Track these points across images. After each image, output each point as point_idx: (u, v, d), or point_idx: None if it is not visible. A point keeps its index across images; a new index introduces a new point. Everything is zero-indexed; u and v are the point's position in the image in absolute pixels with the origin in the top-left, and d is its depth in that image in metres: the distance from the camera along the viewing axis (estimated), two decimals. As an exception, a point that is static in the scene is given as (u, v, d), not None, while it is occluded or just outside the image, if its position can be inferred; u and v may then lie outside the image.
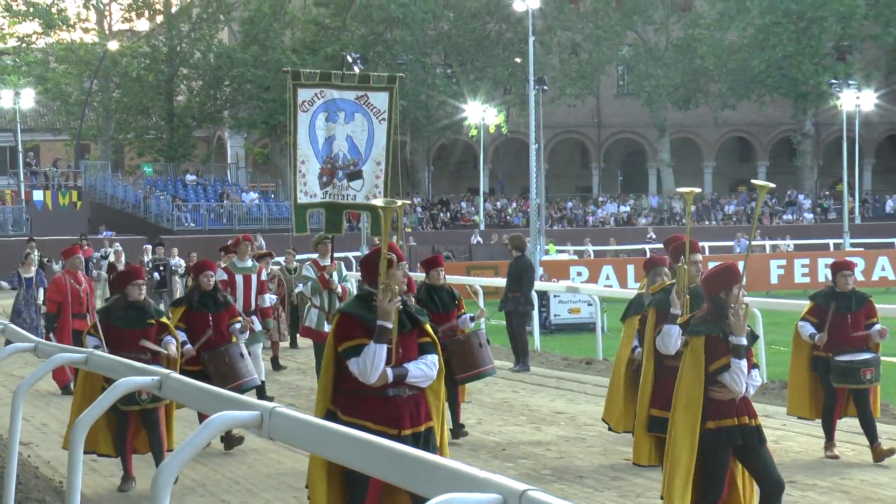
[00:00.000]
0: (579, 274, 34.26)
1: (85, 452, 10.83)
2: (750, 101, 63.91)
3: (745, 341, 8.08)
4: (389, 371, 7.31)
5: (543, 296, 24.58)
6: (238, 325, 12.83)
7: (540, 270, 31.47)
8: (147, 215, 55.71)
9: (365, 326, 7.33)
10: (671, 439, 8.19)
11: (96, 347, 10.42)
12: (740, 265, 8.32)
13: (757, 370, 8.32)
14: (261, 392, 14.48)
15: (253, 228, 47.94)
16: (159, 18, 64.05)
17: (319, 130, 17.76)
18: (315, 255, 16.81)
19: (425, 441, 7.41)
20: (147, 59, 62.09)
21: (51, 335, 16.95)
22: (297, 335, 21.76)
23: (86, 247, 32.00)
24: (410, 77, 55.50)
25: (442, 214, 59.41)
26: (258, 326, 15.03)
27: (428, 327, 7.63)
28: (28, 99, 55.21)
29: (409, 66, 57.48)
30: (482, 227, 55.54)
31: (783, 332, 17.80)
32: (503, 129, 62.60)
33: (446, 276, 13.39)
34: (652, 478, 11.10)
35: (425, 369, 7.47)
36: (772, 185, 9.18)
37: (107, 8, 63.00)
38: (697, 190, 10.83)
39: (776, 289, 37.05)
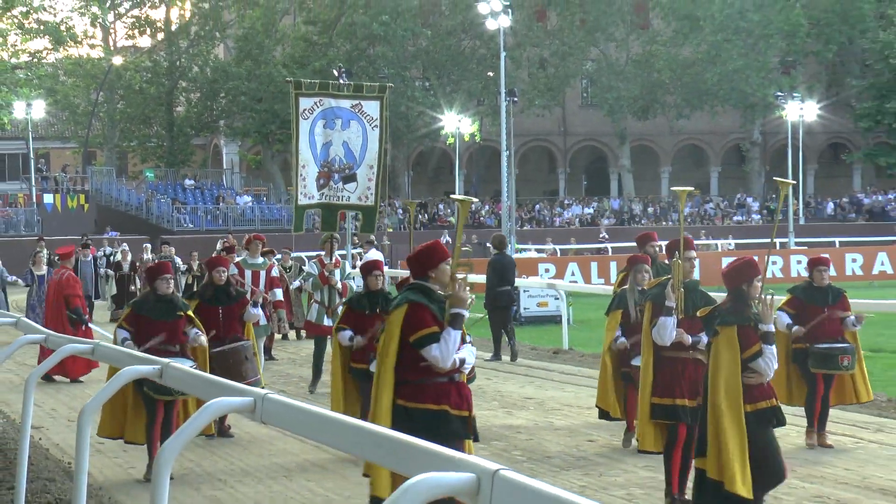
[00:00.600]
0: (547, 270, 34.19)
1: (112, 438, 10.81)
2: (703, 111, 64.00)
3: (773, 328, 8.09)
4: (456, 357, 7.21)
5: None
6: (252, 310, 12.39)
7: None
8: (149, 217, 55.56)
9: (435, 316, 7.16)
10: (717, 428, 7.95)
11: (124, 340, 10.32)
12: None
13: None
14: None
15: (247, 229, 47.71)
16: (160, 35, 63.89)
17: (318, 136, 17.79)
18: (321, 253, 16.73)
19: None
20: (149, 72, 62.05)
21: (83, 327, 16.84)
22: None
23: (90, 246, 31.77)
24: (391, 89, 55.28)
25: (420, 216, 59.36)
26: (263, 321, 15.01)
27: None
28: (39, 110, 55.04)
29: (391, 79, 57.26)
30: (457, 227, 55.38)
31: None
32: (477, 138, 62.64)
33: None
34: (613, 458, 11.14)
35: (472, 357, 7.38)
36: (793, 181, 9.05)
37: (112, 26, 62.83)
38: (691, 189, 10.71)
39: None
